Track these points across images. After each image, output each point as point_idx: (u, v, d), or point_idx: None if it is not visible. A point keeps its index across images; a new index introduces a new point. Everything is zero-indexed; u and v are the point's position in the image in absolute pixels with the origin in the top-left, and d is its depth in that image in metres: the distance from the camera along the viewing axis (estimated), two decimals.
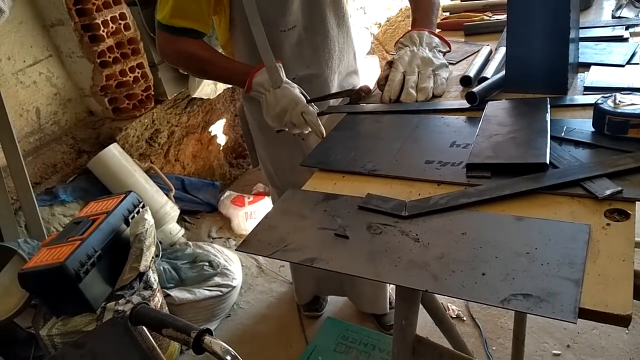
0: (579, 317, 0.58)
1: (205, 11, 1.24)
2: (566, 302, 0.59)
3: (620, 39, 1.19)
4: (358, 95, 1.22)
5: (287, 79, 1.17)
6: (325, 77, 1.38)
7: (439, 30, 1.55)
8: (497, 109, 1.01)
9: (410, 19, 1.29)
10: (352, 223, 0.80)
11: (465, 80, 1.14)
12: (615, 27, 1.25)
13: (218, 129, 2.98)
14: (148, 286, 1.68)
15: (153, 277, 1.72)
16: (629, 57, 1.09)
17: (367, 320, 1.98)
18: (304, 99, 1.13)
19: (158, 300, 1.73)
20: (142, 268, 1.63)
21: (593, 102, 0.89)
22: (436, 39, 1.18)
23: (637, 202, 0.71)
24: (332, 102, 1.38)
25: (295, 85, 1.17)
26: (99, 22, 2.08)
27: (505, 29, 1.28)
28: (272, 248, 0.78)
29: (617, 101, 0.85)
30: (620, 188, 0.73)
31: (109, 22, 2.13)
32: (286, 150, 1.47)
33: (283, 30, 1.27)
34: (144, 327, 0.84)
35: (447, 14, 1.68)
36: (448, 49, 1.21)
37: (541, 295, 0.61)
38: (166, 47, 1.30)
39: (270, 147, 1.56)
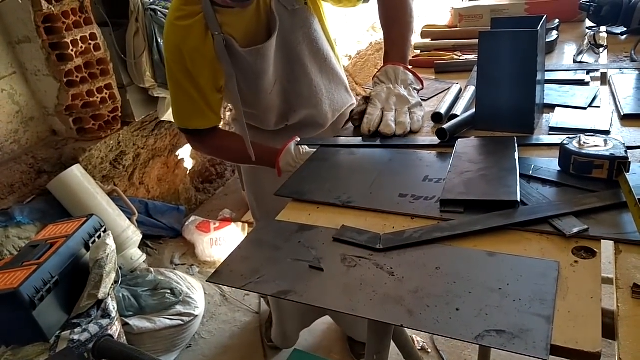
0: (550, 354, 0.58)
1: (206, 108, 1.28)
2: (538, 339, 0.60)
3: (582, 82, 1.25)
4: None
5: (306, 149, 1.21)
6: (317, 119, 1.41)
7: (411, 67, 1.59)
8: (466, 146, 1.04)
9: (383, 51, 1.30)
10: (326, 255, 0.79)
11: (437, 117, 1.17)
12: (577, 72, 1.31)
13: (185, 153, 2.95)
14: (106, 314, 1.61)
15: (112, 305, 1.65)
16: (590, 100, 1.15)
17: (333, 352, 1.95)
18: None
19: (116, 329, 1.66)
20: (100, 295, 1.57)
21: (558, 142, 0.92)
22: (410, 76, 1.21)
23: (602, 240, 0.74)
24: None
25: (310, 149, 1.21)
26: (68, 41, 2.05)
27: (474, 69, 1.33)
28: (244, 280, 0.77)
29: (581, 142, 0.89)
30: (586, 226, 0.75)
31: (79, 41, 2.10)
32: (269, 181, 1.47)
33: (270, 92, 1.32)
34: None
35: (419, 51, 1.73)
36: (421, 86, 1.24)
37: (514, 332, 0.61)
38: (192, 144, 1.41)
39: (251, 175, 1.59)
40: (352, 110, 1.21)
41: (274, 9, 1.22)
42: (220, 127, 1.37)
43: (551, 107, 1.16)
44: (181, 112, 1.31)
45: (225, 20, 1.20)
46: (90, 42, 2.15)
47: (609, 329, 0.63)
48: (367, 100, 1.19)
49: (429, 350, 1.92)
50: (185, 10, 1.19)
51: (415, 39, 2.02)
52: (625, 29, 1.54)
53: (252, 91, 1.30)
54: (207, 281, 0.75)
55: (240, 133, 1.38)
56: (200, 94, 1.26)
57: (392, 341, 1.09)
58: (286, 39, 1.27)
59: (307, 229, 0.87)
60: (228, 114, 3.17)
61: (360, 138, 1.16)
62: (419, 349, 1.92)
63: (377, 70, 1.25)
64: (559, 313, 0.63)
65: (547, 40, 1.49)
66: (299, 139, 1.24)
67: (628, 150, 0.85)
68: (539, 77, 1.06)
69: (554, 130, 1.06)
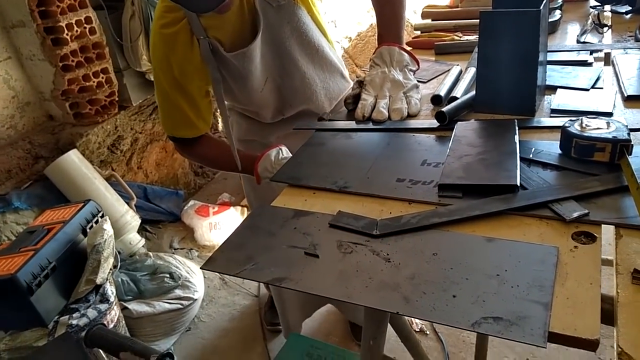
0: (548, 341, 0.57)
1: (194, 117, 1.27)
2: (536, 326, 0.59)
3: (584, 63, 1.23)
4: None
5: (285, 153, 1.21)
6: (313, 110, 1.37)
7: (410, 48, 1.57)
8: (466, 129, 1.02)
9: (376, 33, 1.26)
10: (322, 241, 0.78)
11: (436, 99, 1.15)
12: (580, 52, 1.28)
13: None
14: (105, 299, 1.61)
15: (110, 290, 1.65)
16: (593, 81, 1.12)
17: (332, 335, 1.96)
18: None
19: (115, 313, 1.66)
20: (99, 280, 1.56)
21: (560, 124, 0.91)
22: (406, 56, 1.18)
23: (603, 225, 0.72)
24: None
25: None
26: (63, 25, 2.01)
27: (475, 50, 1.30)
28: (239, 267, 0.76)
29: (583, 125, 0.87)
30: (587, 211, 0.74)
31: (74, 25, 2.06)
32: None
33: (261, 90, 1.29)
34: (99, 349, 0.79)
35: (419, 32, 1.70)
36: (417, 67, 1.22)
37: (511, 319, 0.60)
38: (180, 151, 1.42)
39: None
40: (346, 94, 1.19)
41: (257, 7, 1.18)
42: (210, 134, 1.36)
43: (553, 89, 1.13)
44: (169, 121, 1.31)
45: (210, 24, 1.17)
46: (85, 25, 2.11)
47: (608, 315, 0.62)
48: (360, 84, 1.17)
49: (427, 332, 1.92)
50: (168, 17, 1.17)
51: (416, 19, 1.99)
52: (630, 8, 1.51)
53: (243, 91, 1.28)
54: (201, 268, 0.74)
55: (236, 133, 1.38)
56: (189, 102, 1.24)
57: (390, 325, 1.09)
58: (274, 36, 1.23)
59: (303, 215, 0.85)
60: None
61: (354, 122, 1.14)
62: (417, 331, 1.93)
63: (372, 53, 1.22)
64: (558, 299, 0.62)
65: (549, 20, 1.46)
66: (282, 147, 1.22)
67: (631, 133, 0.83)
68: (540, 58, 1.03)
69: (556, 112, 1.04)
